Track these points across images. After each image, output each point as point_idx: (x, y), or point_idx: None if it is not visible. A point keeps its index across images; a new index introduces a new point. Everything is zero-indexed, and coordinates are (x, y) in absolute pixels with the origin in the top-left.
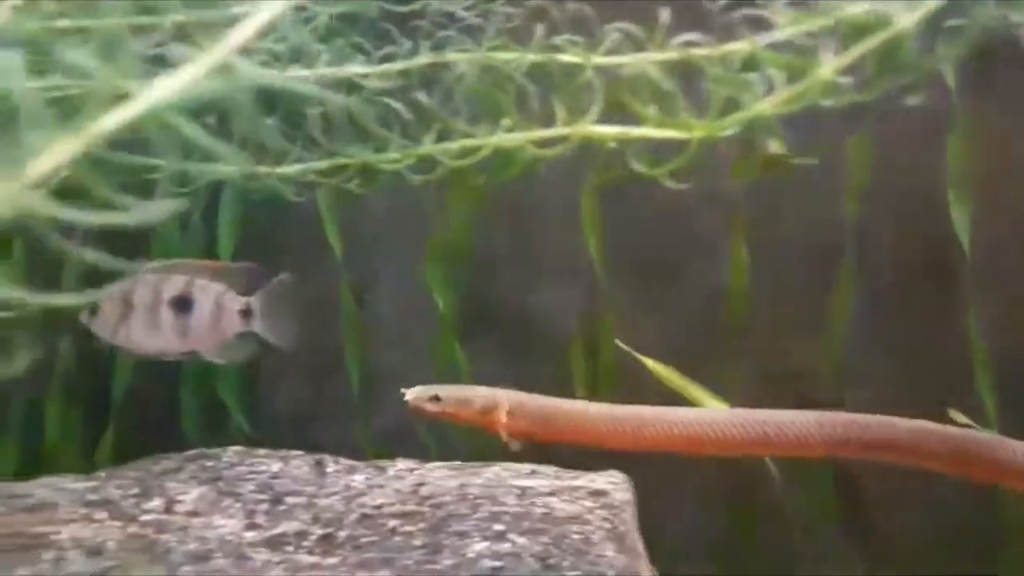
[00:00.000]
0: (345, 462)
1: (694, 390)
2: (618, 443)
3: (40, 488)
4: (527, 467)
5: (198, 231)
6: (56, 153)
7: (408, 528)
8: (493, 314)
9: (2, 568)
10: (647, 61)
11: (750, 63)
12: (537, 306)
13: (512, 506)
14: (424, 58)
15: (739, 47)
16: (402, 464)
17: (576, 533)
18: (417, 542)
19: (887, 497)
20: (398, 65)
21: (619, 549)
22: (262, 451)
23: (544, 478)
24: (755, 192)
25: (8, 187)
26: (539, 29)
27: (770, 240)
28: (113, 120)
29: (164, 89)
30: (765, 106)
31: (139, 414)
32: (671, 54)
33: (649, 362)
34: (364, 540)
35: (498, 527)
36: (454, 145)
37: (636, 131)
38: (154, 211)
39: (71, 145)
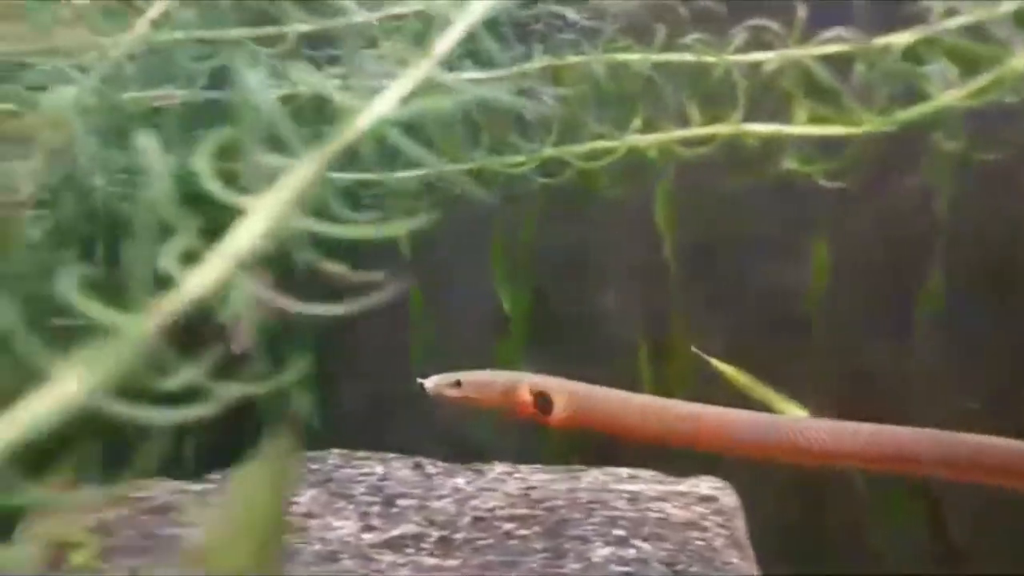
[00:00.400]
0: (442, 465)
1: (770, 395)
2: (645, 435)
3: (155, 490)
4: (624, 471)
5: None
6: (304, 169)
7: (523, 532)
8: (559, 317)
9: (143, 570)
10: (790, 57)
11: (911, 56)
12: (604, 308)
13: (626, 511)
14: (539, 61)
15: (899, 39)
16: (500, 467)
17: (698, 540)
18: (536, 546)
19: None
20: (515, 69)
21: (742, 557)
22: (361, 453)
23: (645, 483)
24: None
25: (268, 204)
26: (662, 29)
27: (853, 239)
28: (348, 136)
29: (385, 104)
30: (947, 99)
31: (217, 416)
32: (821, 48)
33: (724, 366)
34: (481, 543)
35: (618, 532)
36: (584, 147)
37: (792, 129)
38: (402, 225)
39: (316, 161)
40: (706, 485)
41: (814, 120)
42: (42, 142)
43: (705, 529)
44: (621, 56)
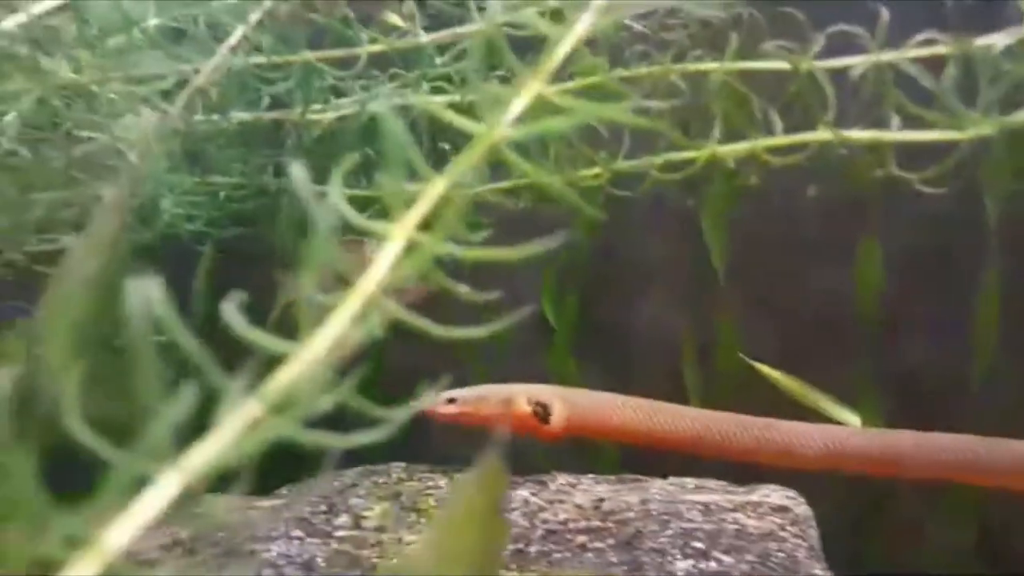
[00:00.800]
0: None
1: (821, 400)
2: (638, 438)
3: (228, 507)
4: (690, 481)
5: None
6: (431, 194)
7: (598, 544)
8: (604, 325)
9: None
10: (881, 61)
11: (1009, 58)
12: (648, 316)
13: (701, 523)
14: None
15: (999, 40)
16: (561, 478)
17: (778, 552)
18: (613, 559)
19: None
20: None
21: (824, 568)
22: (423, 467)
23: (715, 493)
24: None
25: (406, 228)
26: (735, 37)
27: (905, 243)
28: (473, 158)
29: (504, 125)
30: None
31: None
32: (915, 51)
33: (775, 373)
34: (556, 555)
35: (696, 545)
36: (660, 158)
37: (892, 135)
38: (537, 247)
39: (440, 185)
40: (777, 495)
41: (911, 125)
42: (122, 167)
43: (784, 540)
44: (694, 66)
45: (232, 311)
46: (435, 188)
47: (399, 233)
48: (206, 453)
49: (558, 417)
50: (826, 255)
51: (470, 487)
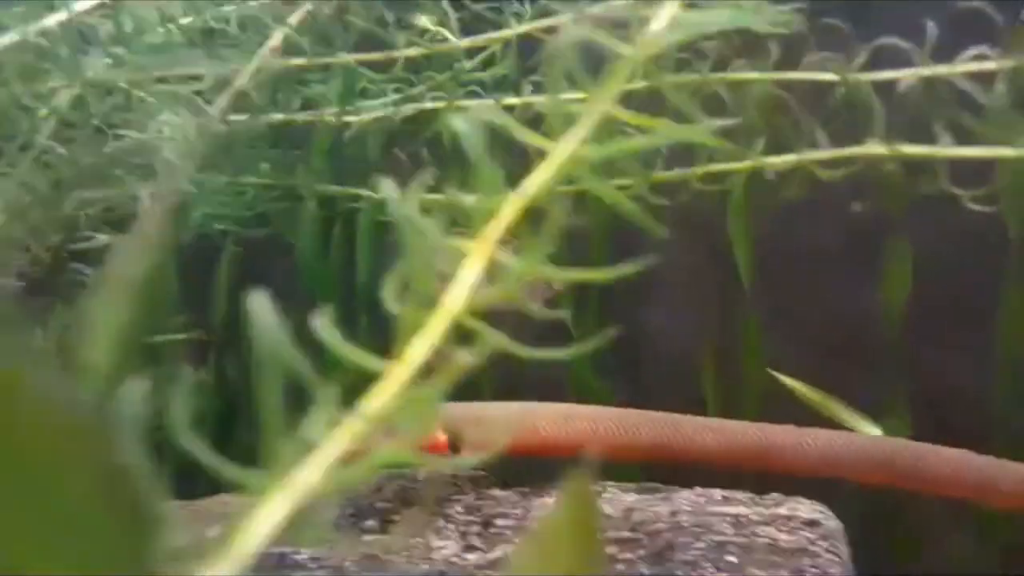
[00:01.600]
0: (530, 484)
1: (843, 413)
2: (554, 448)
3: (232, 506)
4: (718, 492)
5: (338, 245)
6: (510, 211)
7: (628, 555)
8: (623, 335)
9: None
10: (934, 75)
11: None
12: (668, 328)
13: (733, 536)
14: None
15: None
16: None
17: (812, 567)
18: (644, 570)
19: None
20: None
21: None
22: (450, 471)
23: (744, 505)
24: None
25: (486, 246)
26: (776, 47)
27: (928, 257)
28: (544, 176)
29: (572, 143)
30: None
31: None
32: (965, 66)
33: (797, 384)
34: None
35: (729, 559)
36: (701, 169)
37: (943, 150)
38: (626, 269)
39: (517, 202)
40: (806, 508)
41: (956, 142)
42: (159, 166)
43: (816, 555)
44: (735, 76)
45: (326, 325)
46: (513, 204)
47: (481, 250)
48: (316, 472)
49: (470, 445)
50: (852, 267)
51: (563, 505)
